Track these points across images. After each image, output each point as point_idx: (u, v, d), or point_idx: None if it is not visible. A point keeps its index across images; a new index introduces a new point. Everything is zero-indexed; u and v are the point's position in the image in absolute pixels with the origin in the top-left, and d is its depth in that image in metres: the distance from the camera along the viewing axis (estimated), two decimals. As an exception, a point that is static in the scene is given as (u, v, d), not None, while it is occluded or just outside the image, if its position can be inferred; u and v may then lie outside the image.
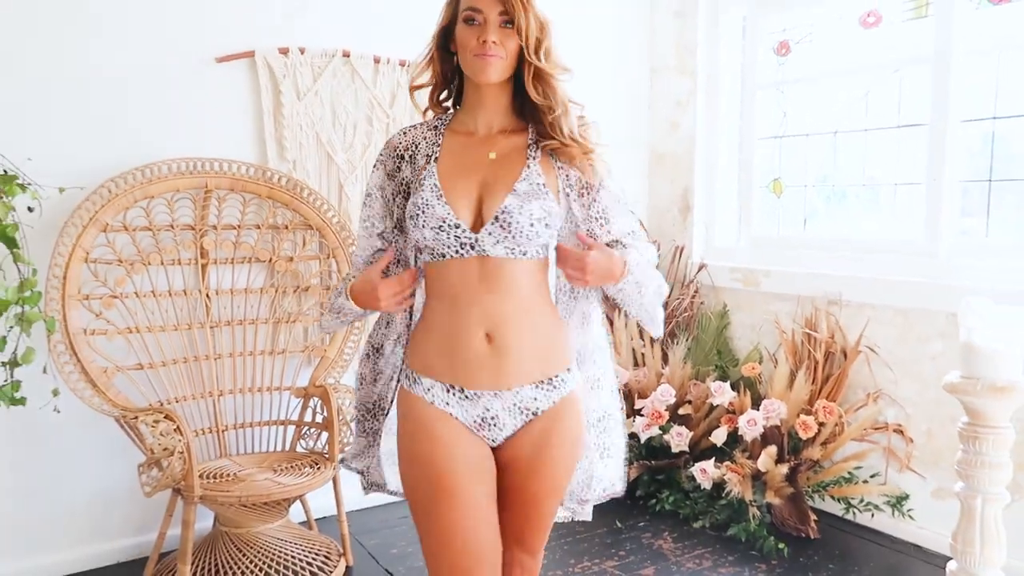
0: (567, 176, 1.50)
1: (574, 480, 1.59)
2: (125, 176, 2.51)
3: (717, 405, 3.13)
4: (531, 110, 1.50)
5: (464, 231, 1.43)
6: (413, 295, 1.54)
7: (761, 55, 3.47)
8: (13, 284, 2.21)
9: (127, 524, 2.70)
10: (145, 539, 2.68)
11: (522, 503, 1.51)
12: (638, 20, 3.77)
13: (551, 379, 1.49)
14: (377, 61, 3.01)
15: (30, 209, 2.29)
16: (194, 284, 2.70)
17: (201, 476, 2.39)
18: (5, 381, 2.25)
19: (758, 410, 2.96)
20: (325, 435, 2.62)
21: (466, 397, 1.45)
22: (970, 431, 1.97)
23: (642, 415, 3.16)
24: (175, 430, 2.22)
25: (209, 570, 2.43)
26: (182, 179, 2.60)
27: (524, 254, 1.46)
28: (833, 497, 2.98)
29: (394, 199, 1.54)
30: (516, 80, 1.49)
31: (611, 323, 3.40)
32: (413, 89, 1.57)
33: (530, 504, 1.51)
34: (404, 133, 1.56)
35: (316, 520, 2.84)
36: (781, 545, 2.75)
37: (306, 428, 2.73)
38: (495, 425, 1.46)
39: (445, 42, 1.51)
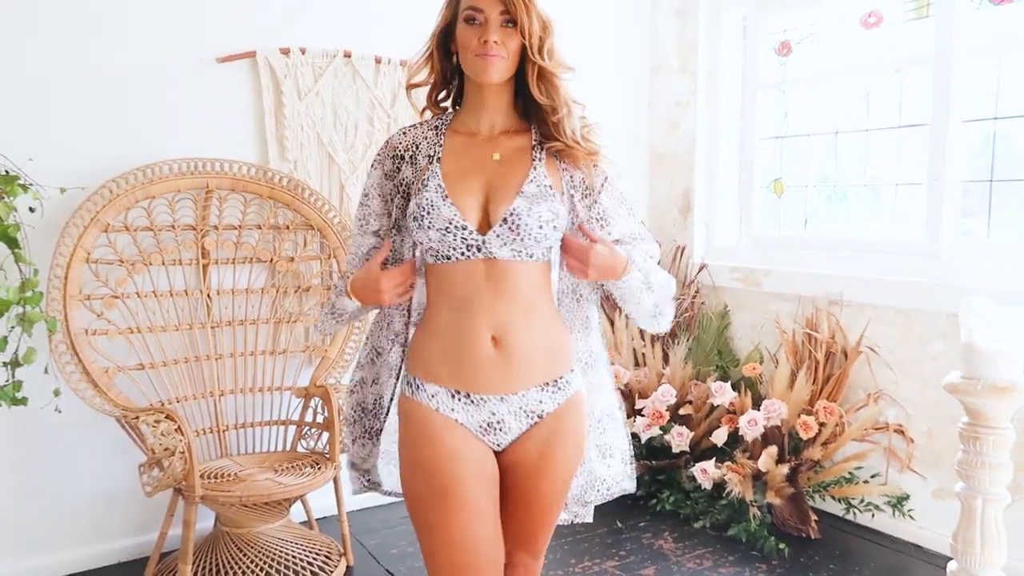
0: (571, 177, 1.49)
1: (576, 483, 1.58)
2: (126, 176, 2.51)
3: (718, 405, 3.13)
4: (534, 111, 1.48)
5: (471, 233, 1.41)
6: (413, 287, 1.51)
7: (762, 55, 3.46)
8: (14, 284, 2.22)
9: (128, 524, 2.71)
10: (146, 539, 2.69)
11: (526, 506, 1.49)
12: (639, 19, 3.77)
13: (556, 381, 1.47)
14: (378, 61, 3.01)
15: (31, 209, 2.30)
16: (195, 284, 2.71)
17: (202, 476, 2.39)
18: (6, 381, 2.25)
19: (759, 410, 2.96)
20: (326, 435, 2.62)
21: (472, 402, 1.43)
22: (970, 431, 1.97)
23: (643, 415, 3.16)
24: (176, 430, 2.23)
25: (210, 570, 2.43)
26: (183, 179, 2.60)
27: (531, 256, 1.44)
28: (834, 497, 2.98)
29: (392, 200, 1.52)
30: (517, 80, 1.47)
31: (611, 323, 3.40)
32: (410, 87, 1.55)
33: (535, 507, 1.50)
34: (404, 133, 1.53)
35: (317, 520, 2.84)
36: (782, 545, 2.75)
37: (307, 428, 2.73)
38: (501, 429, 1.44)
39: (445, 41, 1.49)
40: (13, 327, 2.23)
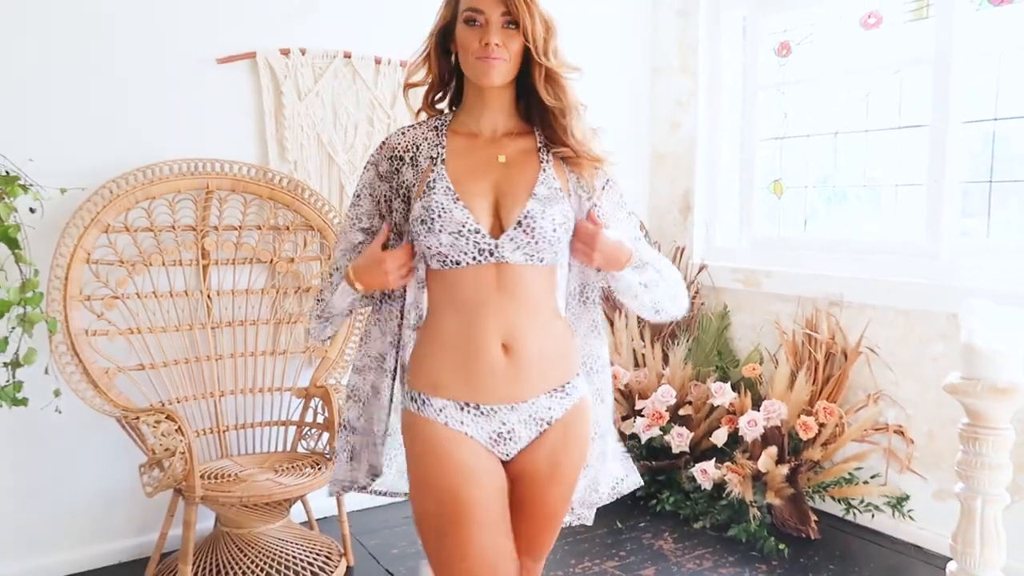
0: (577, 179, 1.47)
1: (580, 486, 1.57)
2: (127, 177, 2.51)
3: (718, 406, 3.13)
4: (539, 113, 1.45)
5: (484, 237, 1.37)
6: (413, 270, 1.46)
7: (762, 56, 3.47)
8: (15, 285, 2.22)
9: (128, 524, 2.71)
10: (146, 539, 2.69)
11: (532, 513, 1.46)
12: (640, 19, 3.77)
13: (564, 386, 1.45)
14: (378, 62, 3.02)
15: (32, 210, 2.30)
16: (195, 285, 2.71)
17: (202, 476, 2.39)
18: (7, 382, 2.25)
19: (758, 411, 2.96)
20: (326, 435, 2.62)
21: (482, 413, 1.39)
22: (970, 432, 1.97)
23: (643, 416, 3.16)
24: (176, 430, 2.23)
25: (210, 570, 2.43)
26: (183, 180, 2.60)
27: (541, 260, 1.41)
28: (833, 498, 2.98)
29: (387, 202, 1.47)
30: (519, 81, 1.44)
31: (611, 323, 3.40)
32: (408, 87, 1.51)
33: (541, 514, 1.47)
34: (403, 133, 1.48)
35: (317, 520, 2.84)
36: (781, 546, 2.75)
37: (307, 429, 2.73)
38: (510, 439, 1.41)
39: (443, 41, 1.45)
40: (13, 328, 2.23)
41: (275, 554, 2.48)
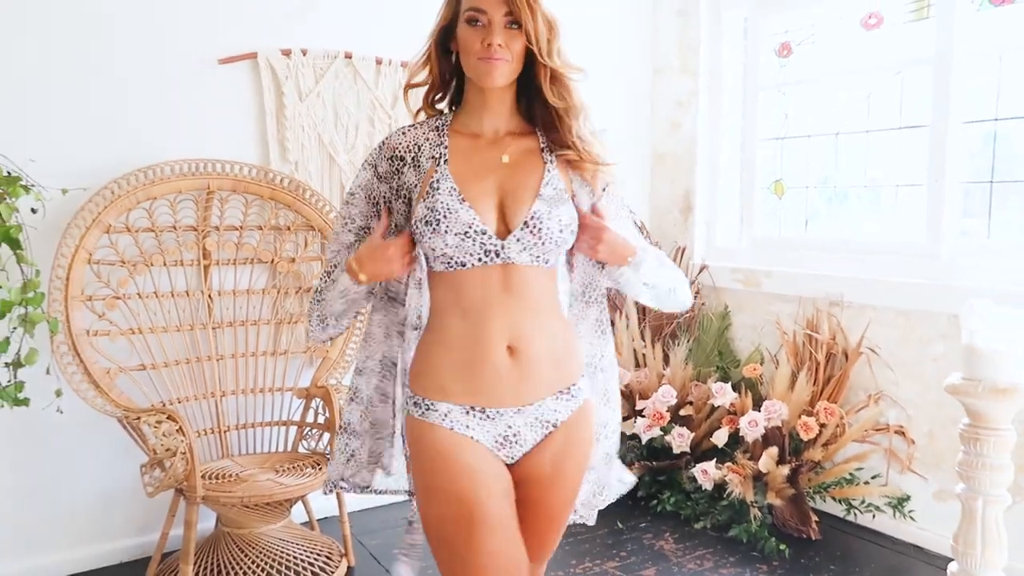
0: (579, 179, 1.46)
1: (584, 489, 1.55)
2: (128, 177, 2.52)
3: (718, 406, 3.13)
4: (542, 114, 1.43)
5: (491, 238, 1.35)
6: (415, 259, 1.43)
7: (763, 56, 3.47)
8: (16, 285, 2.22)
9: (129, 524, 2.71)
10: (147, 539, 2.69)
11: (536, 516, 1.44)
12: (640, 19, 3.77)
13: (569, 388, 1.44)
14: (379, 62, 3.02)
15: (33, 210, 2.30)
16: (196, 285, 2.71)
17: (203, 477, 2.39)
18: (9, 382, 2.26)
19: (759, 411, 2.96)
20: (327, 436, 2.62)
21: (488, 417, 1.37)
22: (971, 433, 1.97)
23: (643, 416, 3.16)
24: (177, 431, 2.23)
25: (211, 570, 2.43)
26: (185, 180, 2.60)
27: (546, 262, 1.40)
28: (834, 498, 2.98)
29: (386, 204, 1.45)
30: (520, 81, 1.42)
31: (612, 324, 3.40)
32: (409, 88, 1.49)
33: (547, 517, 1.46)
34: (403, 133, 1.45)
35: (318, 520, 2.84)
36: (782, 546, 2.75)
37: (308, 429, 2.73)
38: (516, 442, 1.39)
39: (444, 41, 1.43)
40: (15, 328, 2.23)
41: (276, 554, 2.48)
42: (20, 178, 2.24)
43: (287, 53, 2.84)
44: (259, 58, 2.80)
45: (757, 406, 3.03)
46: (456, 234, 1.34)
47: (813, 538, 2.87)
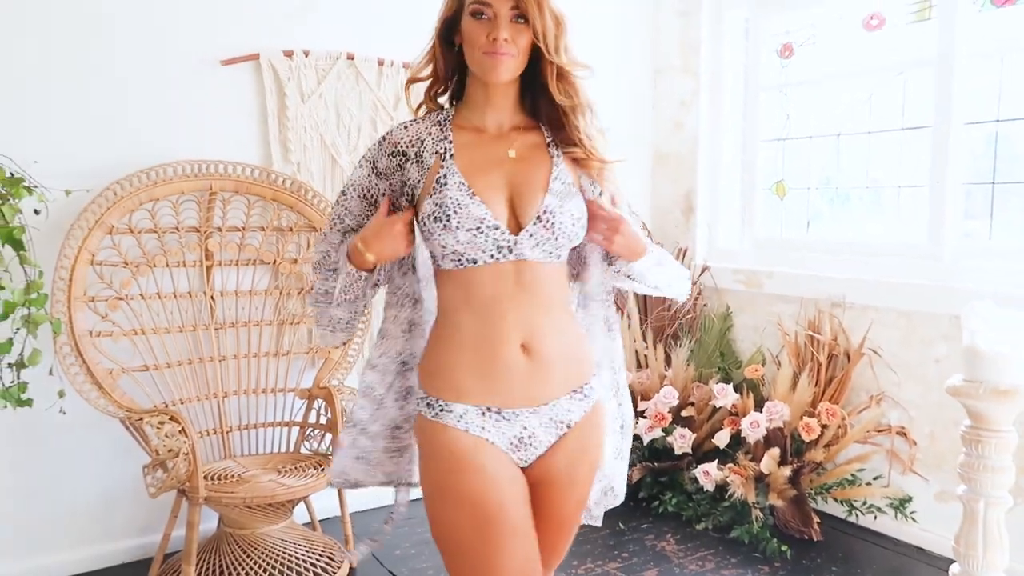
0: (586, 176, 1.44)
1: (596, 489, 1.54)
2: (130, 178, 2.52)
3: (720, 407, 3.13)
4: (547, 111, 1.41)
5: (503, 233, 1.32)
6: (414, 241, 1.41)
7: (764, 57, 3.47)
8: (20, 286, 2.22)
9: (132, 525, 2.72)
10: (150, 540, 2.69)
11: (548, 522, 1.41)
12: (642, 19, 3.77)
13: (582, 388, 1.41)
14: (381, 63, 3.02)
15: (36, 212, 2.30)
16: (199, 286, 2.71)
17: (206, 477, 2.40)
18: (12, 382, 2.26)
19: (761, 412, 2.96)
20: (329, 436, 2.62)
21: (503, 418, 1.34)
22: (973, 434, 1.97)
23: (645, 417, 3.16)
24: (180, 431, 2.23)
25: (213, 571, 2.44)
26: (187, 181, 2.61)
27: (559, 257, 1.38)
28: (836, 499, 2.98)
29: (380, 201, 1.42)
30: (524, 77, 1.39)
31: (614, 325, 3.40)
32: (412, 83, 1.45)
33: (559, 521, 1.43)
34: (405, 128, 1.41)
35: (320, 521, 2.85)
36: (784, 547, 2.75)
37: (310, 430, 2.74)
38: (531, 444, 1.36)
39: (448, 34, 1.39)
40: (18, 329, 2.24)
41: (278, 555, 2.48)
42: (23, 179, 2.25)
43: (289, 54, 2.85)
44: (261, 59, 2.81)
45: (759, 407, 3.03)
46: (468, 230, 1.30)
47: (815, 539, 2.87)
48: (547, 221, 1.33)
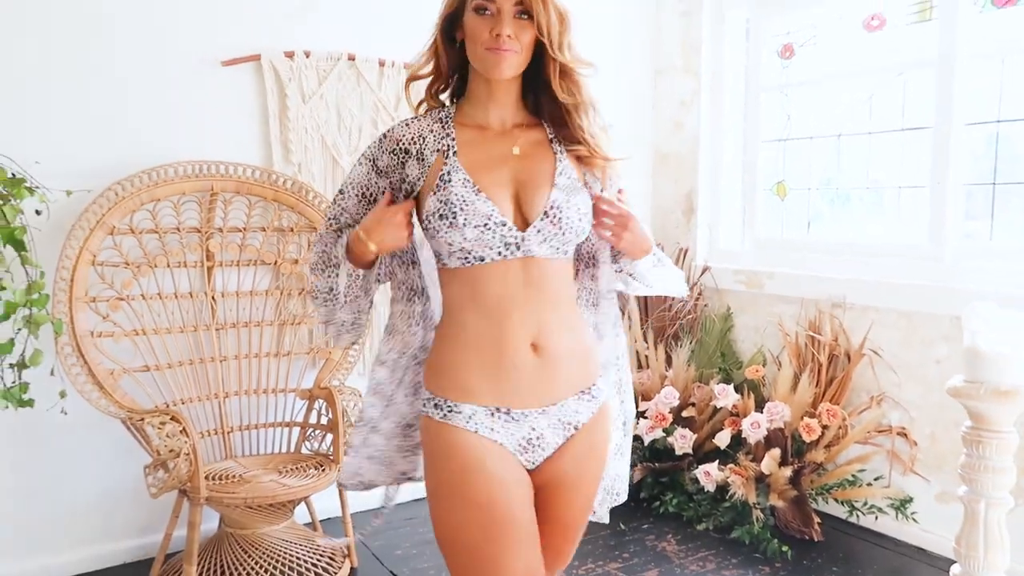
0: (590, 174, 1.43)
1: (600, 489, 1.53)
2: (132, 179, 2.52)
3: (721, 408, 3.13)
4: (550, 109, 1.40)
5: (511, 229, 1.30)
6: (414, 232, 1.39)
7: (765, 57, 3.47)
8: (21, 286, 2.23)
9: (133, 525, 2.72)
10: (151, 540, 2.70)
11: (554, 526, 1.39)
12: (643, 19, 3.77)
13: (590, 388, 1.40)
14: (382, 64, 3.02)
15: (38, 212, 2.31)
16: (200, 286, 2.72)
17: (207, 477, 2.40)
18: (13, 383, 2.27)
19: (762, 413, 2.96)
20: (330, 437, 2.63)
21: (512, 419, 1.32)
22: (973, 435, 1.97)
23: (646, 417, 3.17)
24: (181, 432, 2.24)
25: (215, 571, 2.44)
26: (188, 182, 2.61)
27: (565, 253, 1.37)
28: (837, 500, 2.98)
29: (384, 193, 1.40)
30: (527, 73, 1.38)
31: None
32: (412, 80, 1.43)
33: (565, 525, 1.42)
34: (407, 125, 1.39)
35: (321, 521, 2.85)
36: (785, 547, 2.75)
37: (311, 430, 2.74)
38: (539, 446, 1.34)
39: (449, 29, 1.38)
40: (20, 329, 2.24)
41: (279, 555, 2.49)
42: (24, 180, 2.25)
43: (290, 55, 2.85)
44: (262, 60, 2.81)
45: (759, 408, 3.03)
46: (475, 227, 1.29)
47: (815, 540, 2.87)
48: (554, 216, 1.32)
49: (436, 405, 1.34)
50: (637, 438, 3.15)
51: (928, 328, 2.80)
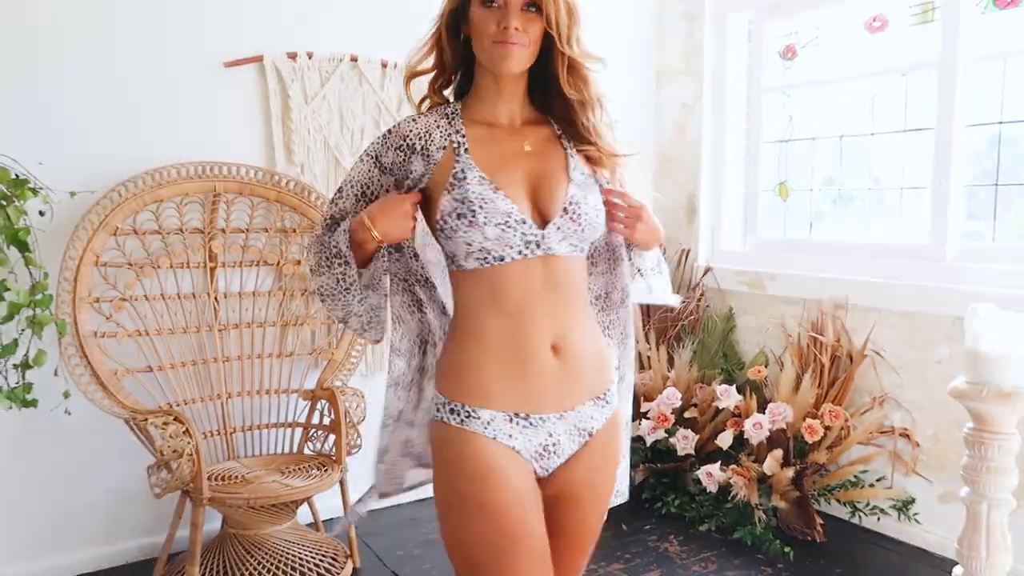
0: (598, 170, 1.41)
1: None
2: (135, 180, 2.53)
3: (723, 408, 3.13)
4: (557, 105, 1.37)
5: (531, 227, 1.27)
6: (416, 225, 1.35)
7: (767, 59, 3.47)
8: (25, 287, 2.24)
9: (136, 526, 2.72)
10: (154, 540, 2.70)
11: (570, 537, 1.36)
12: (645, 22, 3.77)
13: (605, 394, 1.36)
14: (384, 65, 3.03)
15: (41, 213, 2.32)
16: (203, 287, 2.72)
17: (209, 478, 2.40)
18: (17, 383, 2.27)
19: (764, 413, 2.96)
20: (332, 437, 2.63)
21: (530, 424, 1.27)
22: (976, 436, 1.97)
23: (648, 418, 3.17)
24: (184, 432, 2.24)
25: (217, 571, 2.45)
26: (191, 183, 2.62)
27: (582, 251, 1.34)
28: (839, 501, 2.98)
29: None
30: (532, 69, 1.35)
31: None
32: (413, 76, 1.38)
33: (580, 537, 1.38)
34: (414, 120, 1.34)
35: (323, 522, 2.85)
36: (787, 548, 2.75)
37: (313, 430, 2.74)
38: (555, 453, 1.30)
39: (454, 23, 1.34)
40: (23, 329, 2.25)
41: (281, 555, 2.49)
42: (28, 181, 2.26)
43: (293, 56, 2.85)
44: (265, 61, 2.81)
45: (762, 408, 3.03)
46: (496, 225, 1.24)
47: (818, 540, 2.87)
48: (573, 212, 1.30)
49: (452, 410, 1.28)
50: (639, 439, 3.15)
51: (930, 329, 2.80)
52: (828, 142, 3.29)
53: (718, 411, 3.19)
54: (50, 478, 2.58)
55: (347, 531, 2.69)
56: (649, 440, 3.12)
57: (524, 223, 1.26)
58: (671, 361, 3.37)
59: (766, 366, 3.26)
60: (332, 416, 2.62)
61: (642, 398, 3.26)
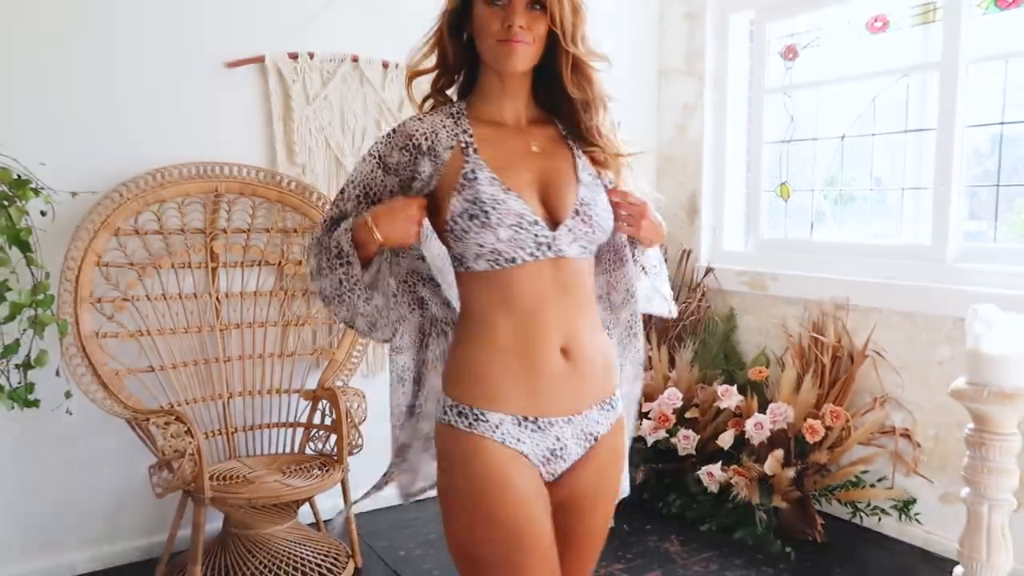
0: (603, 170, 1.40)
1: None
2: (136, 180, 2.53)
3: (724, 408, 3.13)
4: (561, 104, 1.36)
5: (543, 228, 1.25)
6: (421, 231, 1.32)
7: (769, 59, 3.47)
8: (26, 287, 2.24)
9: (138, 525, 2.73)
10: (156, 540, 2.71)
11: (577, 543, 1.34)
12: (647, 22, 3.78)
13: (610, 399, 1.35)
14: (386, 66, 3.03)
15: (43, 213, 2.32)
16: (204, 287, 2.72)
17: (211, 478, 2.41)
18: (19, 383, 2.28)
19: (765, 414, 2.96)
20: (334, 437, 2.63)
21: (539, 428, 1.26)
22: (977, 437, 1.97)
23: (649, 418, 3.17)
24: (186, 432, 2.24)
25: (219, 571, 2.45)
26: (193, 183, 2.62)
27: (591, 253, 1.34)
28: (840, 501, 2.98)
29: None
30: (534, 68, 1.33)
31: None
32: (415, 76, 1.36)
33: (588, 542, 1.36)
34: (419, 119, 1.31)
35: (325, 521, 2.86)
36: (788, 549, 2.75)
37: (315, 430, 2.75)
38: (562, 457, 1.28)
39: (457, 21, 1.32)
40: (25, 330, 2.25)
41: (283, 555, 2.49)
42: (30, 181, 2.26)
43: (294, 56, 2.86)
44: (267, 61, 2.82)
45: (763, 409, 3.03)
46: (509, 226, 1.22)
47: (819, 541, 2.87)
48: (584, 213, 1.29)
49: (460, 413, 1.26)
50: (640, 439, 3.15)
51: (931, 329, 2.80)
52: (829, 142, 3.29)
53: (719, 411, 3.18)
54: (52, 478, 2.58)
55: (349, 531, 2.69)
56: (650, 440, 3.12)
57: (536, 224, 1.25)
58: (672, 361, 3.37)
59: (767, 366, 3.26)
60: (333, 416, 2.63)
61: (643, 398, 3.26)
